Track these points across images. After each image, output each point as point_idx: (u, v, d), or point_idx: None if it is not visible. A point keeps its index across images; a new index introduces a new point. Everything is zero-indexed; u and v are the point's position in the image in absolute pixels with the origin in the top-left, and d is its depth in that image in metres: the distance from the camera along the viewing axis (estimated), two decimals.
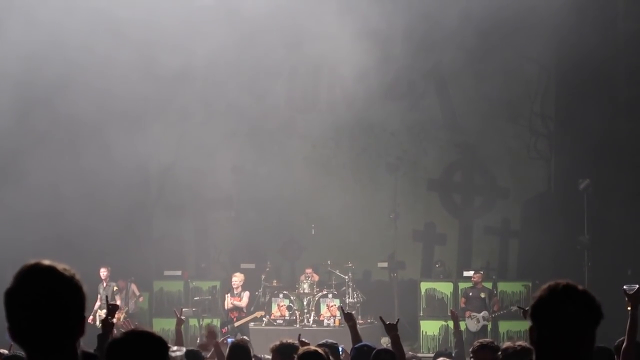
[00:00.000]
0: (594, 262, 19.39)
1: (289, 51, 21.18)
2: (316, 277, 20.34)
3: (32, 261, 2.89)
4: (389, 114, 21.96)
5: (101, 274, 19.22)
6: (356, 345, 7.76)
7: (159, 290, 21.49)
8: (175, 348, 9.56)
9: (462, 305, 19.07)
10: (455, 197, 22.69)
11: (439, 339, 20.21)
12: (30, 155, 19.77)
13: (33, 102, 19.79)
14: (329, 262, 20.55)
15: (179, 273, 21.66)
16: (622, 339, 7.11)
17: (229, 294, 19.12)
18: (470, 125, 22.18)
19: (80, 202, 19.43)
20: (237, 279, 19.18)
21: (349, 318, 8.82)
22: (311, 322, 19.61)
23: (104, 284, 19.27)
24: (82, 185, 19.63)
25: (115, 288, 19.19)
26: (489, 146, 22.08)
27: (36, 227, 18.52)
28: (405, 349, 18.59)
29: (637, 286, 7.02)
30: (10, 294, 2.86)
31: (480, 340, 8.19)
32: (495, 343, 8.30)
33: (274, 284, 20.58)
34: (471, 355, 7.77)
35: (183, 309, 13.92)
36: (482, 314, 18.92)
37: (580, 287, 3.19)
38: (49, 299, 2.83)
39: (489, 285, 19.74)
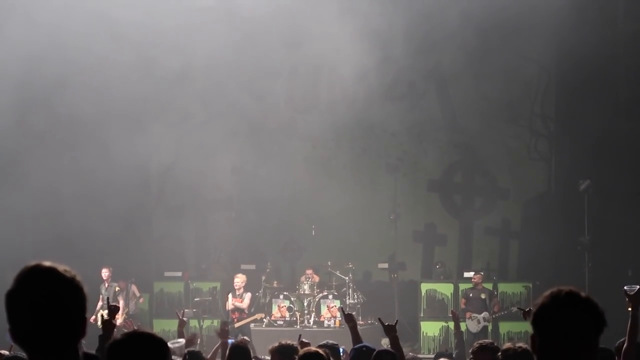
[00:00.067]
0: (594, 263, 19.38)
1: (289, 51, 21.18)
2: (316, 278, 20.34)
3: (33, 262, 2.89)
4: (389, 114, 21.96)
5: (103, 274, 19.21)
6: (355, 346, 7.75)
7: (159, 291, 21.47)
8: (174, 341, 9.56)
9: (463, 306, 19.06)
10: (456, 198, 22.68)
11: (439, 339, 20.19)
12: (30, 156, 19.77)
13: (33, 103, 19.81)
14: (329, 263, 20.55)
15: (179, 274, 21.65)
16: (622, 339, 7.10)
17: (230, 294, 19.11)
18: (470, 126, 22.18)
19: (80, 202, 19.42)
20: (240, 280, 19.16)
21: (349, 319, 8.81)
22: (312, 323, 19.61)
23: (106, 285, 19.26)
24: (82, 185, 19.62)
25: (117, 288, 19.18)
26: (489, 147, 22.07)
27: (36, 228, 18.51)
28: (406, 349, 18.59)
29: (638, 287, 7.01)
30: (11, 296, 2.86)
31: (480, 341, 8.18)
32: (496, 344, 8.29)
33: (275, 285, 20.57)
34: (471, 356, 7.76)
35: (185, 310, 13.91)
36: (482, 314, 18.91)
37: (583, 293, 3.13)
38: (49, 300, 2.82)
39: (489, 286, 19.72)
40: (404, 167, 22.22)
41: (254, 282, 19.93)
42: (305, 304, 19.82)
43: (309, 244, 21.94)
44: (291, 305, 19.96)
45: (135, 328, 7.62)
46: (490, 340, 8.81)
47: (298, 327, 18.83)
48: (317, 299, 19.83)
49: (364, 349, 7.50)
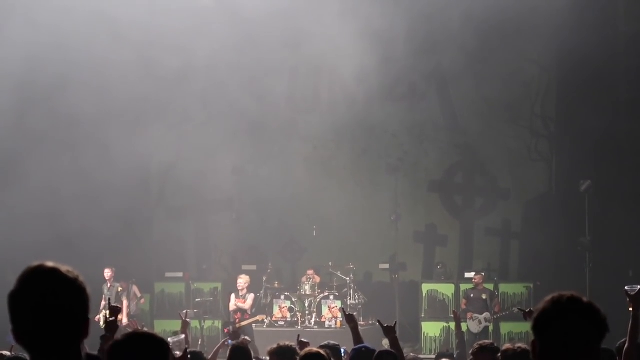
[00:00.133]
0: (595, 264, 19.37)
1: (289, 52, 21.18)
2: (317, 279, 20.33)
3: (36, 263, 2.89)
4: (390, 115, 21.96)
5: (105, 274, 19.22)
6: (355, 347, 7.74)
7: (160, 292, 21.47)
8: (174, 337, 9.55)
9: (463, 306, 19.05)
10: (456, 199, 22.68)
11: (440, 340, 20.19)
12: (30, 156, 19.77)
13: (33, 103, 19.81)
14: (330, 263, 20.55)
15: (180, 275, 21.65)
16: (623, 340, 7.10)
17: (233, 295, 19.09)
18: (471, 127, 22.18)
19: (80, 203, 19.42)
20: (243, 280, 19.13)
21: (350, 320, 8.81)
22: (312, 323, 19.60)
23: (108, 285, 19.28)
24: (82, 186, 19.62)
25: (119, 289, 19.20)
26: (490, 147, 22.08)
27: (36, 228, 18.50)
28: (407, 350, 18.59)
29: (639, 287, 7.01)
30: (14, 296, 2.86)
31: (480, 342, 8.19)
32: (496, 344, 8.29)
33: (276, 285, 20.57)
34: (471, 357, 7.76)
35: (187, 312, 13.87)
36: (483, 315, 18.91)
37: (585, 299, 3.07)
38: (52, 300, 2.82)
39: (490, 286, 19.72)
40: (404, 168, 22.22)
41: (255, 282, 19.91)
42: (307, 305, 19.82)
43: (309, 244, 21.94)
44: (292, 305, 19.96)
45: (140, 328, 7.61)
46: (491, 341, 8.81)
47: (299, 327, 18.82)
48: (318, 300, 19.82)
49: (364, 349, 7.50)
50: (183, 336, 8.77)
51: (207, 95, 21.72)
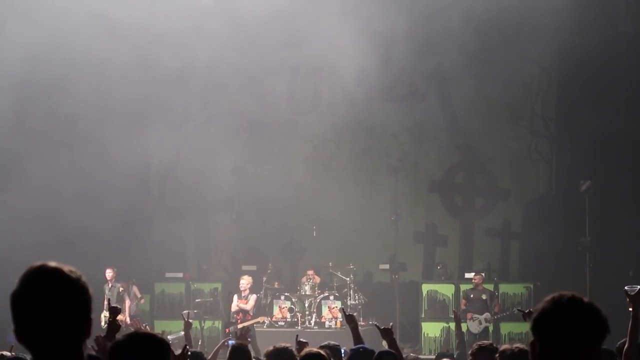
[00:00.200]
0: (595, 264, 19.37)
1: (290, 52, 21.18)
2: (317, 279, 20.34)
3: (38, 263, 2.89)
4: (390, 115, 21.96)
5: (107, 274, 19.23)
6: (352, 347, 7.73)
7: (160, 292, 21.46)
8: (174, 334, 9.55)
9: (463, 307, 19.04)
10: (457, 199, 22.68)
11: (440, 340, 20.19)
12: (29, 156, 19.77)
13: (32, 103, 19.80)
14: (330, 263, 20.55)
15: (180, 275, 21.64)
16: (623, 340, 7.09)
17: (235, 296, 19.07)
18: (471, 127, 22.18)
19: (80, 203, 19.43)
20: (245, 281, 19.12)
21: (350, 320, 8.80)
22: (312, 324, 19.60)
23: (109, 285, 19.29)
24: (82, 186, 19.62)
25: (120, 289, 19.21)
26: (490, 148, 22.08)
27: (36, 229, 18.50)
28: (407, 350, 18.59)
29: (639, 287, 7.00)
30: (16, 296, 2.86)
31: (479, 342, 8.18)
32: (495, 345, 8.29)
33: (276, 285, 20.57)
34: (470, 357, 7.76)
35: (189, 312, 13.84)
36: (484, 315, 18.90)
37: (585, 299, 3.02)
38: (55, 300, 2.82)
39: (490, 287, 19.72)
40: (404, 168, 22.21)
41: (255, 282, 19.90)
42: (307, 305, 19.82)
43: (310, 244, 21.94)
44: (292, 306, 19.96)
45: (143, 327, 7.62)
46: (490, 341, 8.81)
47: (299, 328, 18.82)
48: (318, 300, 19.82)
49: (361, 349, 7.48)
50: (182, 333, 8.78)
51: (207, 95, 21.73)
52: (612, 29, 20.46)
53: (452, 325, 17.37)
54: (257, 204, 22.13)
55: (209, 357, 10.51)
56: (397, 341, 8.38)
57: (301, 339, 8.32)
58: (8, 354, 8.32)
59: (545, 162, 22.10)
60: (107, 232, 19.49)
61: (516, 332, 19.49)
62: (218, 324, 20.50)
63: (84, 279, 2.90)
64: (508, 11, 19.26)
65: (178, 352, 5.83)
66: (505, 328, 19.79)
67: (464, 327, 16.41)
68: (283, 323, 19.76)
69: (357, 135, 22.52)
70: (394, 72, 21.18)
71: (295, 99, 22.59)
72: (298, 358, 6.92)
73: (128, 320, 18.34)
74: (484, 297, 19.10)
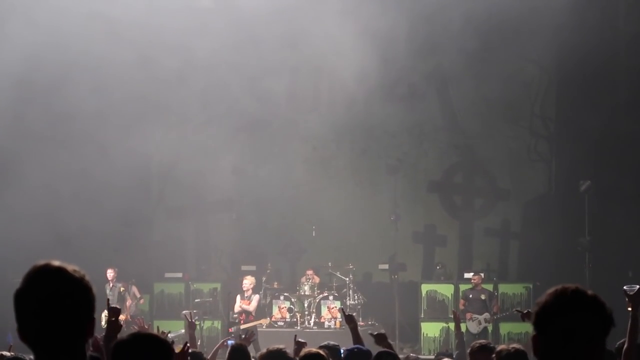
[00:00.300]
0: (594, 264, 19.38)
1: (289, 52, 21.17)
2: (317, 279, 20.34)
3: (42, 262, 2.89)
4: (390, 115, 21.95)
5: (108, 275, 19.25)
6: (348, 348, 7.70)
7: (159, 292, 21.46)
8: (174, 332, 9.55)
9: (461, 307, 19.04)
10: (456, 199, 22.68)
11: (439, 340, 20.18)
12: (29, 156, 19.77)
13: (31, 102, 19.80)
14: (329, 264, 20.56)
15: (179, 275, 21.64)
16: (622, 340, 7.08)
17: (238, 296, 19.05)
18: (470, 127, 22.19)
19: (80, 203, 19.43)
20: (248, 281, 19.09)
21: (350, 320, 8.80)
22: (312, 324, 19.60)
23: (110, 285, 19.30)
24: (81, 186, 19.62)
25: (121, 289, 19.22)
26: (490, 148, 22.08)
27: (35, 229, 18.50)
28: (407, 350, 18.60)
29: (638, 287, 6.99)
30: (20, 295, 2.86)
31: (479, 341, 8.19)
32: (493, 344, 8.30)
33: (275, 286, 20.57)
34: (469, 356, 7.76)
35: (191, 313, 13.84)
36: (483, 315, 18.91)
37: (590, 292, 2.93)
38: (58, 300, 2.82)
39: (489, 287, 19.72)
40: (404, 168, 22.21)
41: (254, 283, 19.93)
42: (306, 305, 19.82)
43: (309, 244, 21.94)
44: (292, 306, 19.96)
45: (146, 327, 7.64)
46: (488, 341, 8.81)
47: (298, 328, 18.82)
48: (317, 300, 19.82)
49: (356, 350, 7.47)
50: (182, 331, 8.78)
51: (206, 96, 21.72)
52: (612, 30, 20.46)
53: (452, 325, 17.37)
54: (257, 204, 22.13)
55: (209, 357, 10.51)
56: (397, 341, 8.39)
57: (300, 339, 8.31)
58: (7, 353, 8.32)
59: (545, 162, 22.11)
60: (107, 232, 19.49)
61: (516, 332, 19.50)
62: (217, 324, 20.50)
63: (87, 278, 2.90)
64: (508, 11, 19.25)
65: (178, 349, 5.83)
66: (505, 328, 19.80)
67: (463, 327, 16.40)
68: (282, 323, 19.76)
69: (357, 136, 22.52)
70: (393, 72, 21.19)
71: (295, 99, 22.58)
72: (297, 359, 6.91)
73: (129, 319, 18.35)
74: (483, 297, 19.11)
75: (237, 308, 18.91)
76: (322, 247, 21.37)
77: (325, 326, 19.52)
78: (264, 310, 19.83)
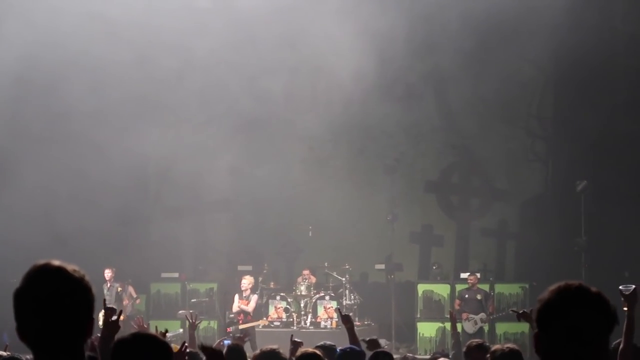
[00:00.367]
0: (591, 264, 19.38)
1: (287, 52, 21.17)
2: (313, 279, 20.34)
3: (42, 261, 2.90)
4: (387, 115, 21.96)
5: (105, 275, 19.24)
6: (342, 348, 7.70)
7: (156, 292, 21.46)
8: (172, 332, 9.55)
9: (457, 307, 19.04)
10: (453, 199, 22.70)
11: (436, 340, 20.19)
12: (26, 156, 19.76)
13: (28, 102, 19.79)
14: (326, 264, 20.56)
15: (176, 275, 21.63)
16: (618, 340, 7.09)
17: (237, 296, 19.04)
18: (468, 127, 22.20)
19: (77, 203, 19.42)
20: (247, 281, 19.08)
21: (346, 320, 8.80)
22: (308, 324, 19.60)
23: (108, 285, 19.29)
24: (78, 186, 19.62)
25: (119, 289, 19.21)
26: (487, 148, 22.09)
27: (32, 228, 18.49)
28: (403, 350, 18.60)
29: (634, 286, 7.01)
30: (19, 294, 2.86)
31: (475, 340, 8.20)
32: (488, 344, 8.32)
33: (271, 286, 20.57)
34: (465, 355, 7.77)
35: (193, 313, 13.82)
36: (479, 315, 18.92)
37: (593, 289, 2.87)
38: (58, 299, 2.82)
39: (485, 287, 19.73)
40: (401, 168, 22.22)
41: None
42: (302, 305, 19.82)
43: (306, 244, 21.94)
44: (288, 306, 19.96)
45: (146, 326, 7.64)
46: (482, 340, 8.84)
47: (295, 328, 18.82)
48: (313, 300, 19.82)
49: (349, 350, 7.47)
50: (181, 330, 8.79)
51: (204, 95, 21.71)
52: (609, 30, 20.47)
53: (448, 325, 17.38)
54: (254, 204, 22.14)
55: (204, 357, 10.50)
56: (393, 341, 8.40)
57: (296, 339, 8.32)
58: (4, 353, 8.32)
59: (542, 162, 22.13)
60: (104, 232, 19.48)
61: (512, 332, 19.51)
62: (214, 324, 20.50)
63: (87, 278, 2.91)
64: (506, 12, 19.26)
65: (175, 348, 5.84)
66: (501, 328, 19.80)
67: (459, 327, 16.41)
68: (279, 323, 19.76)
69: (354, 136, 22.53)
70: (391, 72, 21.20)
71: (292, 99, 22.57)
72: (294, 359, 6.92)
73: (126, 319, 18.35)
74: (478, 297, 19.11)
75: (235, 308, 18.89)
76: (318, 247, 21.36)
77: (322, 326, 19.52)
78: (260, 309, 19.82)
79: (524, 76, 21.82)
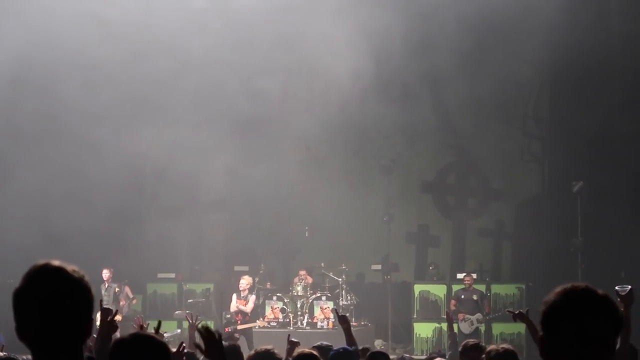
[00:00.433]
0: (587, 264, 19.41)
1: (283, 52, 21.16)
2: (310, 280, 20.33)
3: (42, 261, 2.90)
4: (383, 116, 21.97)
5: (103, 275, 19.23)
6: (335, 348, 7.69)
7: (152, 293, 21.45)
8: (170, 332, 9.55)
9: (453, 307, 19.04)
10: (449, 199, 22.71)
11: (432, 341, 20.20)
12: (21, 156, 19.75)
13: (24, 102, 19.77)
14: (322, 264, 20.56)
15: (172, 275, 21.62)
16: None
17: (235, 295, 19.00)
18: (464, 128, 22.21)
19: (73, 203, 19.39)
20: (245, 281, 19.04)
21: (343, 320, 8.79)
22: (305, 324, 19.59)
23: (106, 285, 19.28)
24: (74, 186, 19.59)
25: (116, 289, 19.20)
26: (483, 148, 22.11)
27: (27, 229, 18.47)
28: (399, 351, 18.60)
29: (630, 287, 7.02)
30: (19, 294, 2.86)
31: (471, 340, 8.20)
32: (484, 344, 8.33)
33: (268, 286, 20.56)
34: (461, 355, 7.77)
35: (194, 314, 13.81)
36: (475, 316, 18.92)
37: (600, 291, 2.82)
38: (57, 299, 2.83)
39: (482, 287, 19.74)
40: (397, 169, 22.23)
41: None
42: (299, 306, 19.81)
43: (302, 245, 21.94)
44: (284, 306, 19.95)
45: (145, 326, 7.64)
46: (479, 340, 8.85)
47: (291, 328, 18.80)
48: (310, 301, 19.81)
49: (341, 350, 7.46)
50: (179, 331, 8.78)
51: (200, 95, 21.69)
52: (605, 30, 20.49)
53: (444, 325, 17.38)
54: (250, 205, 22.13)
55: (201, 358, 10.51)
56: (390, 341, 8.40)
57: (293, 339, 8.32)
58: (0, 354, 8.30)
59: (538, 162, 22.15)
60: (99, 232, 19.46)
61: (508, 333, 19.53)
62: (211, 325, 20.41)
63: (87, 278, 2.91)
64: (502, 12, 19.27)
65: (174, 350, 5.84)
66: (497, 328, 19.82)
67: (455, 327, 16.41)
68: (275, 323, 19.74)
69: (350, 136, 22.53)
70: (387, 72, 21.20)
71: (288, 99, 22.57)
72: (290, 359, 6.91)
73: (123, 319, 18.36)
74: (474, 297, 19.12)
75: (233, 308, 18.86)
76: (315, 248, 21.37)
77: (318, 326, 19.52)
78: (256, 310, 19.81)
79: (520, 76, 21.83)
